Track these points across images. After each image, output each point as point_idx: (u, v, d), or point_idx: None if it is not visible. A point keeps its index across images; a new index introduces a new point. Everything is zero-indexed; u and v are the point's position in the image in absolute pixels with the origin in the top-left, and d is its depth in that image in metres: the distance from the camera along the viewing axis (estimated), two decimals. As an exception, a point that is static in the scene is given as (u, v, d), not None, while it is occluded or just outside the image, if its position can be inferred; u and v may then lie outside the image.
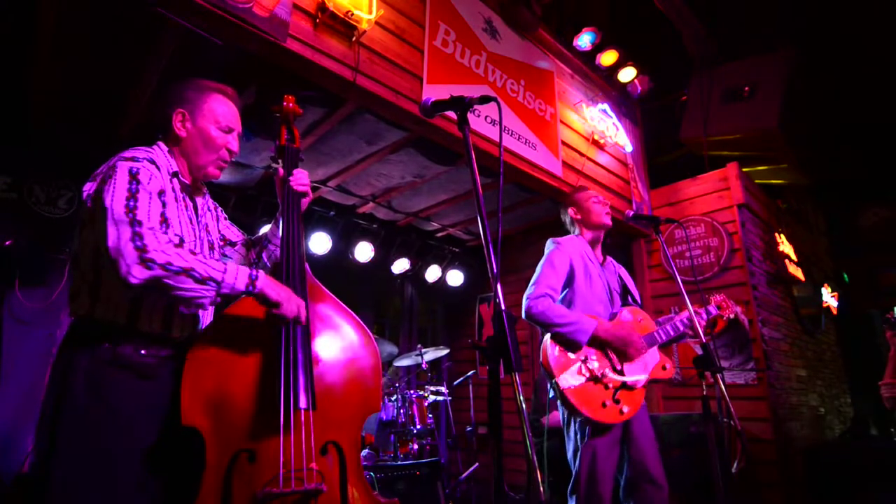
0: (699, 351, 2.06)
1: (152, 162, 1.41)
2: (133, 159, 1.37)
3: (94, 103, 3.11)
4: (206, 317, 1.59)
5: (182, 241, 1.44)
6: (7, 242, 3.19)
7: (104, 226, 1.24)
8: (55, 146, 3.40)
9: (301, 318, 1.41)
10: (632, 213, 2.61)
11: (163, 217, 1.37)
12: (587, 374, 2.20)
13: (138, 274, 1.20)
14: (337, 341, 1.56)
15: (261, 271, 1.38)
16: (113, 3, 2.36)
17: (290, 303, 1.39)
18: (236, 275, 1.32)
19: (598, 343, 2.27)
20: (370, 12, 2.65)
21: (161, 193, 1.39)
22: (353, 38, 2.63)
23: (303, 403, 1.33)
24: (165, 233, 1.35)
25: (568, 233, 2.67)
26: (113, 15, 2.45)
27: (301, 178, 1.73)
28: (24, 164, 3.34)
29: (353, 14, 2.55)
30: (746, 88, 4.88)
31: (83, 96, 3.07)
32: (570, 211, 2.62)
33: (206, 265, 1.28)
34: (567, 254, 2.43)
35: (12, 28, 2.80)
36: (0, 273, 3.23)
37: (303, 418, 1.36)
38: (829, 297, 6.29)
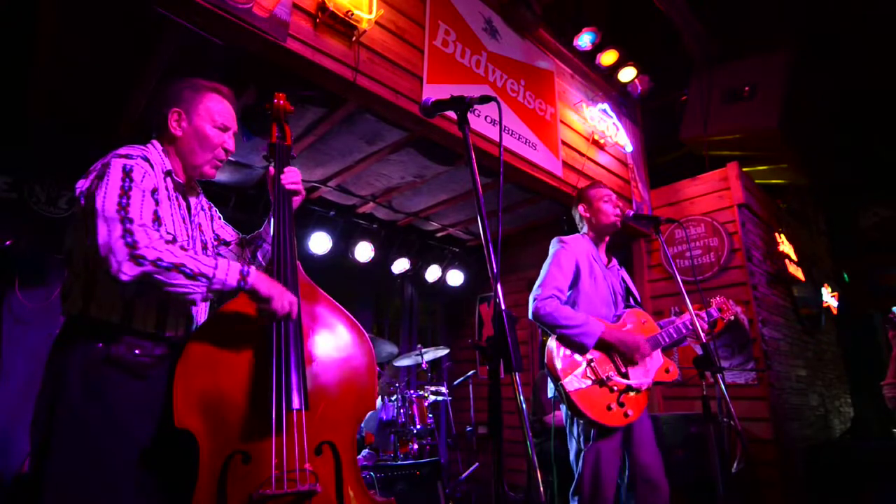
0: (699, 351, 2.05)
1: (146, 160, 1.41)
2: (127, 156, 1.37)
3: (94, 103, 3.11)
4: (201, 316, 1.58)
5: (174, 239, 1.44)
6: (7, 242, 3.19)
7: (94, 222, 1.23)
8: (55, 146, 3.40)
9: (293, 314, 1.40)
10: (632, 213, 2.59)
11: (155, 215, 1.36)
12: (592, 377, 2.20)
13: (129, 270, 1.20)
14: (330, 340, 1.55)
15: (252, 267, 1.37)
16: (113, 3, 2.36)
17: (282, 298, 1.38)
18: (227, 270, 1.32)
19: (604, 346, 2.25)
20: (370, 12, 2.65)
21: (154, 192, 1.39)
22: (353, 38, 2.63)
23: (295, 404, 1.32)
24: (157, 230, 1.34)
25: (576, 229, 2.66)
26: (113, 15, 2.45)
27: (292, 177, 1.72)
28: (24, 164, 3.34)
29: (353, 14, 2.55)
30: (746, 88, 4.89)
31: (83, 96, 3.07)
32: (581, 208, 2.59)
33: (196, 261, 1.28)
34: (573, 253, 2.41)
35: (12, 28, 2.80)
36: (0, 273, 3.23)
37: (296, 419, 1.35)
38: (829, 297, 6.29)
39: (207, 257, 1.33)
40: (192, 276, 1.26)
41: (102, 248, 1.21)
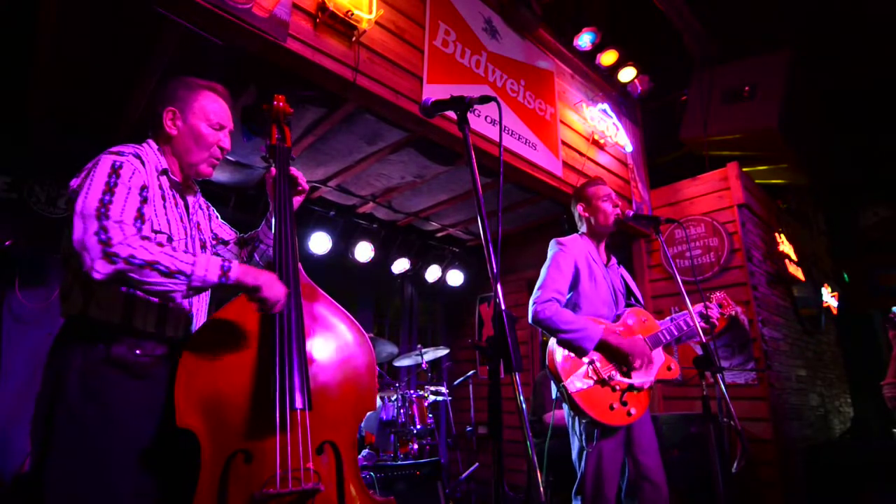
0: (699, 351, 2.05)
1: (138, 157, 1.41)
2: (118, 153, 1.36)
3: (94, 103, 3.11)
4: (201, 316, 1.58)
5: (170, 237, 1.44)
6: (7, 242, 3.19)
7: (72, 218, 1.22)
8: (55, 146, 3.40)
9: (280, 303, 1.37)
10: (632, 213, 2.57)
11: (139, 213, 1.34)
12: (595, 378, 2.20)
13: (101, 268, 1.18)
14: (331, 340, 1.56)
15: (235, 261, 1.36)
16: (113, 2, 2.36)
17: (272, 287, 1.35)
18: (207, 266, 1.29)
19: (604, 349, 2.25)
20: (370, 12, 2.65)
21: (143, 189, 1.38)
22: (353, 38, 2.63)
23: (299, 403, 1.33)
24: (140, 229, 1.32)
25: (577, 229, 2.66)
26: (113, 15, 2.45)
27: (294, 174, 1.74)
28: (24, 164, 3.34)
29: (353, 14, 2.55)
30: (746, 88, 4.88)
31: (83, 96, 3.07)
32: (579, 207, 2.58)
33: (172, 258, 1.25)
34: (571, 255, 2.40)
35: (13, 27, 2.80)
36: (0, 273, 3.23)
37: (299, 418, 1.35)
38: (829, 297, 6.29)
39: (186, 254, 1.30)
40: (167, 273, 1.24)
41: (76, 244, 1.19)
